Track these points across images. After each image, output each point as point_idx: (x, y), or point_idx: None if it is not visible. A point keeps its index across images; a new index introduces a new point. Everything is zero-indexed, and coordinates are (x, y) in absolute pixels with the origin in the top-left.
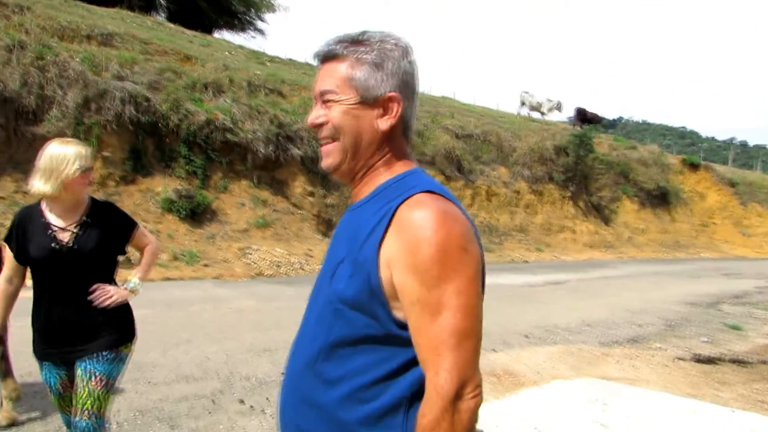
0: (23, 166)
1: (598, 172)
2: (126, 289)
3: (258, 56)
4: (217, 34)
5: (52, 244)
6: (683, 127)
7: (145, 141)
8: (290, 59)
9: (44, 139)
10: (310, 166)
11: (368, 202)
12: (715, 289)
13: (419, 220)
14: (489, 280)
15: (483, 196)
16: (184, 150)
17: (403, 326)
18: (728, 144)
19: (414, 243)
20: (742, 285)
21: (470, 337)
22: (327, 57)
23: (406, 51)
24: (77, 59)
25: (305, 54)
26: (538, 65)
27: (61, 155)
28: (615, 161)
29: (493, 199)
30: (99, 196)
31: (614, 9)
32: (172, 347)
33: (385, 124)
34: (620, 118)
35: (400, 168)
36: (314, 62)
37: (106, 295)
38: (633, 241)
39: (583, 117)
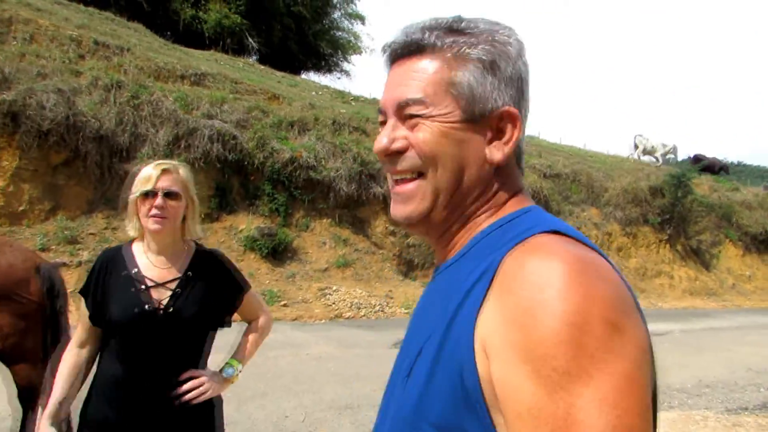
0: (114, 202)
1: (697, 214)
2: (223, 376)
3: (343, 95)
4: (304, 75)
5: (145, 306)
6: None
7: (231, 179)
8: (375, 98)
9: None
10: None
11: (462, 257)
12: None
13: (535, 274)
14: None
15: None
16: (268, 188)
17: None
18: None
19: (524, 311)
20: None
21: None
22: (407, 50)
23: (522, 47)
24: (170, 98)
25: None
26: (626, 104)
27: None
28: (716, 203)
29: None
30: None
31: (700, 55)
32: (247, 401)
33: (499, 153)
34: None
35: (509, 208)
36: (384, 59)
37: (198, 389)
38: (738, 289)
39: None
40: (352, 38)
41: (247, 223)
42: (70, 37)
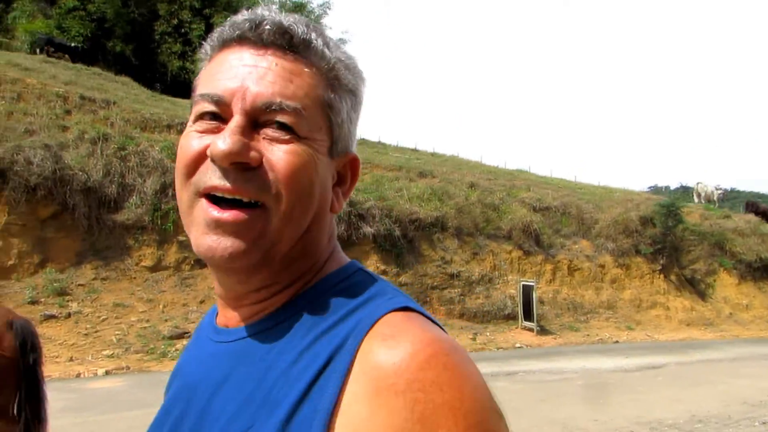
0: (103, 253)
1: (689, 243)
2: None
3: None
4: None
5: None
6: None
7: None
8: (362, 139)
9: (123, 227)
10: (383, 244)
11: (280, 324)
12: None
13: (427, 372)
14: (577, 363)
15: (565, 271)
16: None
17: None
18: None
19: (423, 416)
20: None
21: None
22: (292, 43)
23: None
24: (157, 148)
25: (378, 134)
26: (618, 135)
27: None
28: (708, 231)
29: (576, 274)
30: (173, 280)
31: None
32: None
33: (340, 201)
34: None
35: (332, 263)
36: (237, 32)
37: None
38: (735, 318)
39: (756, 210)
40: None
41: None
42: (56, 93)
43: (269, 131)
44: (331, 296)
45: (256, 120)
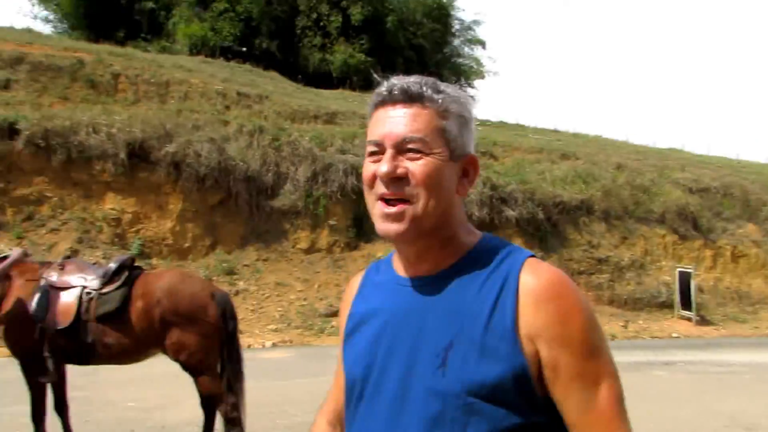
0: (263, 236)
1: None
2: None
3: None
4: None
5: None
6: None
7: (367, 209)
8: (501, 121)
9: (279, 212)
10: (526, 227)
11: (460, 271)
12: None
13: (559, 288)
14: (745, 356)
15: (727, 257)
16: None
17: (541, 410)
18: None
19: (563, 313)
20: None
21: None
22: (411, 97)
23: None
24: (306, 138)
25: (516, 116)
26: None
27: None
28: None
29: (741, 261)
30: (326, 262)
31: None
32: None
33: (466, 188)
34: None
35: (472, 233)
36: (376, 100)
37: None
38: None
39: None
40: (473, 64)
41: (385, 250)
42: (216, 91)
43: (408, 154)
44: (487, 253)
45: (399, 149)
